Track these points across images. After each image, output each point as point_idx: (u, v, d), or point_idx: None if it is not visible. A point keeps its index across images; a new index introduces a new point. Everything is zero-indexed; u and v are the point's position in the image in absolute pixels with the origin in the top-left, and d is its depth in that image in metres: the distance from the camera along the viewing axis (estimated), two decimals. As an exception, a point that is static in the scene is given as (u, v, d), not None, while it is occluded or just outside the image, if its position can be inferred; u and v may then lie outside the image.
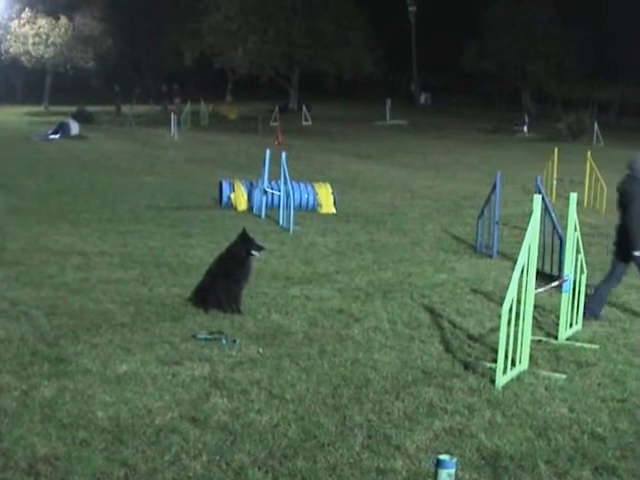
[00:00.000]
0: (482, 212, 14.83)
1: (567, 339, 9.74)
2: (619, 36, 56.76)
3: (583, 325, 10.26)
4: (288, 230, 16.14)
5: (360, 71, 68.40)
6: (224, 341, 9.16)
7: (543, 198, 10.83)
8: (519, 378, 8.39)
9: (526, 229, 8.63)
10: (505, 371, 8.23)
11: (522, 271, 8.37)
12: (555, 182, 21.40)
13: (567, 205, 9.72)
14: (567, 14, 61.51)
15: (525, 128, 48.32)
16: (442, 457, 4.58)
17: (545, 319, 10.54)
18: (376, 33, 66.67)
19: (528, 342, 8.74)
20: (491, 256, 14.34)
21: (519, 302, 8.46)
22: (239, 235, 10.71)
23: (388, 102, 57.10)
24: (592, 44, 60.36)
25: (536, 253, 8.82)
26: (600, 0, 58.38)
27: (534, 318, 9.34)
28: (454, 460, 4.58)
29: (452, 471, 4.55)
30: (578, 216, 9.89)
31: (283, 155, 16.97)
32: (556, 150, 21.70)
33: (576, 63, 63.49)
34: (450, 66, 71.37)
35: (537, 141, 42.50)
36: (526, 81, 68.54)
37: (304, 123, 52.02)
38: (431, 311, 10.79)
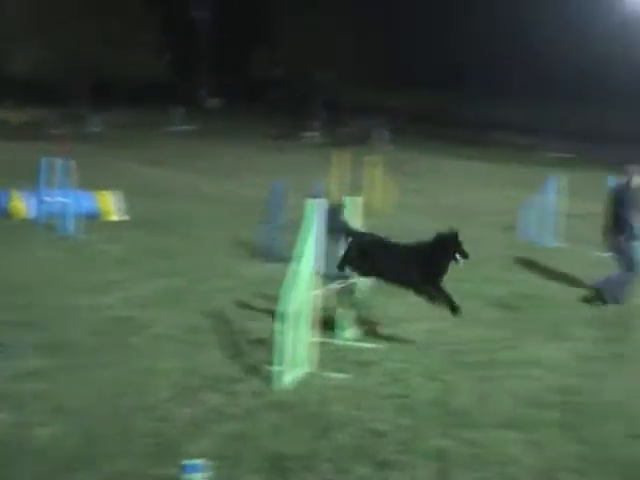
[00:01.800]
0: (266, 217, 14.99)
1: (349, 340, 9.99)
2: (410, 44, 58.81)
3: (366, 326, 10.54)
4: (72, 238, 15.75)
5: (149, 76, 67.78)
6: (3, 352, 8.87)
7: (322, 203, 11.04)
8: (305, 380, 8.54)
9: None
10: (287, 373, 8.35)
11: (300, 274, 8.55)
12: (337, 187, 21.74)
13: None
14: (358, 22, 63.16)
15: (314, 134, 49.12)
16: (187, 462, 4.59)
17: (327, 320, 10.73)
18: (165, 37, 66.23)
19: (310, 344, 8.90)
20: (275, 260, 14.46)
21: (298, 304, 8.60)
22: (450, 234, 10.08)
23: (178, 107, 56.80)
24: (383, 52, 62.23)
25: (313, 256, 9.01)
26: (392, 10, 60.30)
27: (321, 320, 9.50)
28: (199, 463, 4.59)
29: (200, 475, 4.57)
30: (365, 219, 10.20)
31: (61, 163, 16.51)
32: (341, 155, 22.13)
33: (367, 70, 65.20)
34: (241, 72, 71.76)
35: (326, 147, 43.23)
36: (316, 88, 69.84)
37: (92, 129, 50.95)
38: (217, 317, 10.82)
